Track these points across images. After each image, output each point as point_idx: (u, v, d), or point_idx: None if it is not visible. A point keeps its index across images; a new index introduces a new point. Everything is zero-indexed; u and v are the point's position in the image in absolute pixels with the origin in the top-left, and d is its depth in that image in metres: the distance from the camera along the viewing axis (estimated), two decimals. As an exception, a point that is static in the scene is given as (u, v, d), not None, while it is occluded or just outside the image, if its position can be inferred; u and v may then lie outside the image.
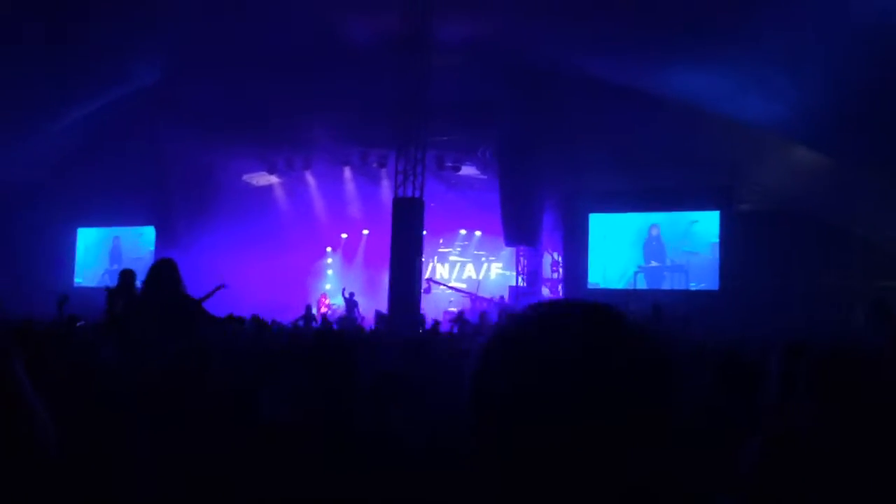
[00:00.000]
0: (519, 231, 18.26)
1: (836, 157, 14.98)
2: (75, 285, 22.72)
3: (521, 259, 19.89)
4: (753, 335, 9.78)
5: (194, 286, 8.12)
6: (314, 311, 18.91)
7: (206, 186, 21.36)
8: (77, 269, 24.15)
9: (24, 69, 15.66)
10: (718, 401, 3.11)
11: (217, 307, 10.65)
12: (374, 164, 20.33)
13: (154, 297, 5.48)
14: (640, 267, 19.14)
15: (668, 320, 12.69)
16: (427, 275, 19.42)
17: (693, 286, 18.39)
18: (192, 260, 18.50)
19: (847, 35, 11.00)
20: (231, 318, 7.19)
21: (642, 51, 14.38)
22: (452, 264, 22.64)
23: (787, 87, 13.01)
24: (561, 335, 0.76)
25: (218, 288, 8.21)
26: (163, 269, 5.58)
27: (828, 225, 16.39)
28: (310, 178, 21.68)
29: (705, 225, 18.52)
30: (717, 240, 18.22)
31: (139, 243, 23.41)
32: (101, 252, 24.30)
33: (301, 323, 15.35)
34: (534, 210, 18.49)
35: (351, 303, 17.92)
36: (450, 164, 19.59)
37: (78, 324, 7.28)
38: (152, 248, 22.15)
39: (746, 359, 3.23)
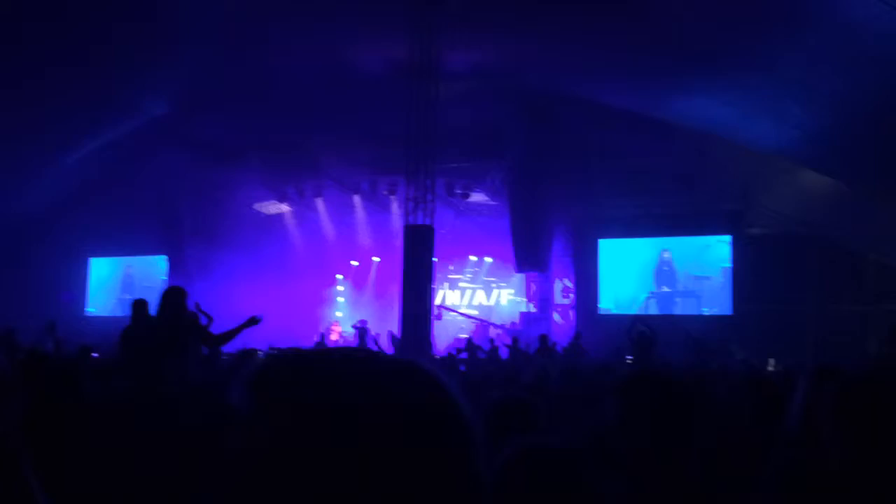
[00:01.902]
0: (529, 257, 18.25)
1: (848, 182, 14.96)
2: (87, 314, 22.78)
3: (532, 285, 19.85)
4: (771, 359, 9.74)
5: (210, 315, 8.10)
6: (325, 339, 18.88)
7: (217, 215, 21.46)
8: (90, 298, 24.23)
9: (37, 103, 15.85)
10: (739, 428, 3.08)
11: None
12: (384, 192, 20.40)
13: (163, 326, 5.57)
14: (651, 293, 19.08)
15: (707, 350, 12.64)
16: (438, 301, 19.37)
17: (706, 311, 18.30)
18: (204, 288, 18.54)
19: (857, 61, 11.04)
20: (245, 352, 7.14)
21: (653, 77, 14.45)
22: (463, 291, 22.59)
23: (797, 112, 13.03)
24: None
25: (251, 321, 7.64)
26: (170, 298, 5.66)
27: (840, 249, 16.33)
28: (320, 206, 21.76)
29: (717, 249, 18.47)
30: (729, 264, 18.15)
31: (151, 273, 23.48)
32: (113, 281, 24.38)
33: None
34: (544, 236, 18.50)
35: (363, 331, 17.88)
36: (459, 191, 19.62)
37: (92, 354, 7.28)
38: (164, 277, 22.22)
39: (769, 384, 3.19)
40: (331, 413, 0.66)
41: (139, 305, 7.06)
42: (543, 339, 13.89)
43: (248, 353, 6.88)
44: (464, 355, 14.26)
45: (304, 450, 0.65)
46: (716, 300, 18.34)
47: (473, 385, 6.45)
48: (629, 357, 12.31)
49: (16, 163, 17.85)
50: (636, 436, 1.99)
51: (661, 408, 2.02)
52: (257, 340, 11.30)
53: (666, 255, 19.06)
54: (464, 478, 0.69)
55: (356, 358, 0.73)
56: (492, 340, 15.32)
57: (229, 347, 11.24)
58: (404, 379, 0.71)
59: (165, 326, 5.56)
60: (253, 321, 7.52)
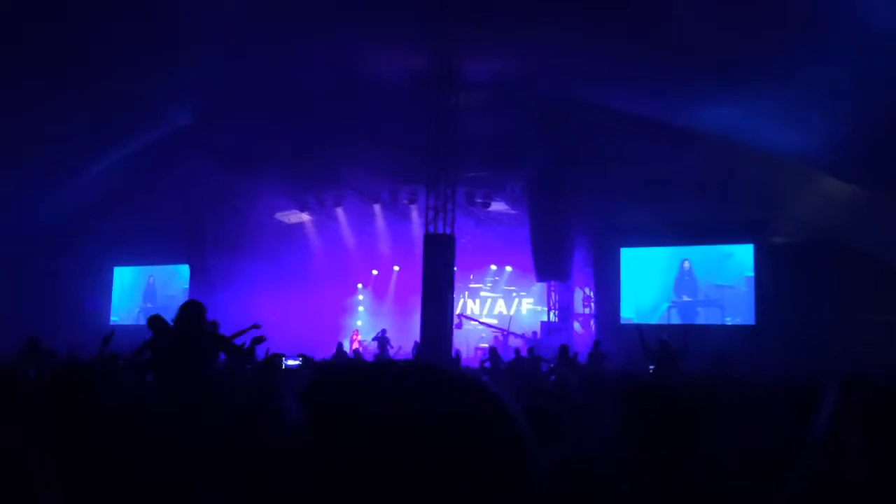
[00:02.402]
0: (550, 266, 18.20)
1: (871, 189, 14.80)
2: (112, 323, 23.03)
3: (553, 294, 19.80)
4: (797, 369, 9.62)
5: (228, 323, 8.22)
6: (346, 347, 18.94)
7: (239, 224, 21.63)
8: (113, 307, 24.49)
9: (62, 114, 16.07)
10: (761, 438, 3.06)
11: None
12: (405, 201, 20.47)
13: (180, 340, 5.65)
14: (672, 302, 18.96)
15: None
16: (458, 310, 19.38)
17: (729, 321, 18.16)
18: (226, 297, 18.70)
19: (879, 68, 10.95)
20: (272, 357, 7.22)
21: (674, 85, 14.42)
22: (483, 300, 22.59)
23: (819, 119, 12.94)
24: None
25: (252, 327, 8.19)
26: (188, 312, 5.72)
27: (864, 257, 16.15)
28: (341, 216, 21.87)
29: (739, 258, 18.33)
30: (752, 273, 18.01)
31: (174, 281, 23.72)
32: (136, 290, 24.63)
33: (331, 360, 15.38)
34: (564, 245, 18.44)
35: (383, 340, 17.93)
36: (479, 200, 19.65)
37: (119, 362, 7.38)
38: (186, 286, 22.43)
39: (798, 395, 3.17)
40: (391, 426, 0.68)
41: (155, 321, 7.11)
42: (564, 349, 13.85)
43: (273, 360, 6.97)
44: (487, 364, 14.27)
45: (365, 461, 0.67)
46: (738, 310, 18.19)
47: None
48: (652, 367, 12.23)
49: (41, 174, 18.11)
50: (637, 446, 2.01)
51: (660, 419, 2.04)
52: (281, 349, 11.37)
53: (687, 264, 18.94)
54: (519, 489, 0.71)
55: (415, 371, 0.75)
56: (517, 351, 15.29)
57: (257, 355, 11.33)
58: (464, 393, 0.73)
59: (183, 339, 5.63)
60: (254, 327, 7.88)
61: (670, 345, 12.23)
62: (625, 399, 2.06)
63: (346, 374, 0.75)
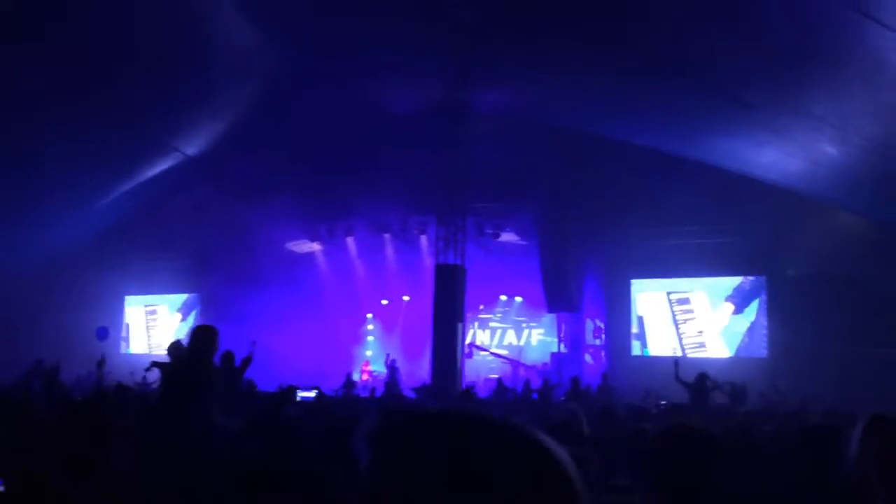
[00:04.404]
0: (560, 297, 18.15)
1: (882, 223, 14.78)
2: (122, 354, 23.02)
3: (563, 325, 19.72)
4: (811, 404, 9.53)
5: (239, 352, 8.23)
6: (356, 377, 18.87)
7: (249, 254, 21.72)
8: (124, 338, 24.53)
9: (73, 144, 16.21)
10: (787, 476, 3.02)
11: (260, 374, 10.73)
12: (415, 231, 20.54)
13: (190, 367, 5.60)
14: (682, 334, 18.87)
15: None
16: (468, 340, 19.31)
17: (739, 353, 18.04)
18: (236, 327, 18.65)
19: (891, 102, 10.97)
20: (285, 391, 7.20)
21: (685, 118, 14.48)
22: (493, 330, 22.51)
23: (831, 153, 12.95)
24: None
25: (252, 346, 8.35)
26: (199, 338, 5.67)
27: (876, 291, 16.01)
28: (351, 245, 21.94)
29: (751, 290, 18.27)
30: (764, 306, 17.92)
31: (184, 311, 23.79)
32: (146, 321, 24.68)
33: (342, 391, 15.33)
34: (575, 276, 18.42)
35: (393, 369, 17.88)
36: (489, 231, 19.67)
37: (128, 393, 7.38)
38: (197, 316, 22.49)
39: (815, 432, 3.13)
40: (456, 471, 0.72)
41: (174, 348, 7.14)
42: (576, 381, 13.76)
43: (287, 393, 6.95)
44: (509, 396, 14.21)
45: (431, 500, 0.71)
46: (750, 342, 18.07)
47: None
48: (663, 402, 12.12)
49: (54, 203, 18.25)
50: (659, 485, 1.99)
51: (692, 463, 2.02)
52: (291, 379, 11.33)
53: (698, 295, 18.87)
54: None
55: (471, 418, 0.79)
56: (527, 382, 15.20)
57: (266, 385, 11.33)
58: (519, 443, 0.77)
59: (193, 366, 5.58)
60: (253, 345, 7.97)
61: (707, 379, 12.14)
62: (649, 438, 2.04)
63: (414, 422, 0.78)
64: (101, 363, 7.38)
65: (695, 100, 13.38)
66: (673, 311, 19.04)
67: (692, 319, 18.84)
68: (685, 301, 18.95)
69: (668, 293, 19.15)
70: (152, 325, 24.44)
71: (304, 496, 2.61)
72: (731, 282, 18.53)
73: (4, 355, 16.26)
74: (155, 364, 7.15)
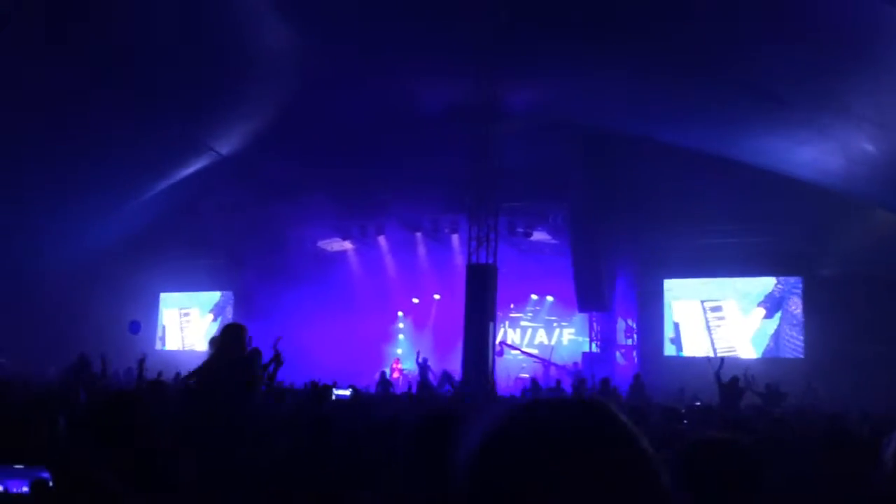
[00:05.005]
0: (591, 296, 18.04)
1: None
2: (157, 350, 23.37)
3: (594, 325, 19.61)
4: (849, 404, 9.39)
5: (269, 350, 8.30)
6: (387, 376, 18.96)
7: (282, 252, 21.94)
8: (159, 333, 24.89)
9: (110, 145, 16.49)
10: (821, 484, 2.99)
11: (292, 372, 10.83)
12: (446, 230, 20.57)
13: (219, 363, 5.68)
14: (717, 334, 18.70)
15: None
16: (499, 339, 19.28)
17: (776, 354, 17.81)
18: (269, 324, 18.84)
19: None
20: (319, 388, 7.26)
21: (721, 116, 14.30)
22: (524, 329, 22.46)
23: (870, 150, 12.72)
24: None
25: (277, 340, 8.28)
26: (228, 335, 5.76)
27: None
28: (383, 244, 22.04)
29: (787, 290, 18.03)
30: (800, 305, 17.69)
31: (216, 312, 24.09)
32: (180, 317, 25.03)
33: (379, 389, 15.43)
34: (606, 275, 18.29)
35: (424, 367, 17.92)
36: (521, 230, 19.62)
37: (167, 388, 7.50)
38: (231, 312, 22.75)
39: (853, 434, 3.10)
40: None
41: (213, 341, 7.23)
42: (605, 382, 13.67)
43: (322, 391, 7.01)
44: (528, 395, 14.16)
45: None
46: (779, 344, 17.86)
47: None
48: (698, 402, 12.01)
49: (90, 202, 18.58)
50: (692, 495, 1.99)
51: (725, 475, 2.02)
52: (322, 376, 11.45)
53: (729, 303, 18.74)
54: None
55: (581, 407, 0.86)
56: (558, 382, 15.15)
57: (298, 381, 11.40)
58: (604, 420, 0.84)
59: (223, 361, 5.66)
60: (278, 340, 7.98)
61: (739, 381, 12.03)
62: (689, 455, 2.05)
63: (532, 419, 0.85)
64: (142, 361, 7.49)
65: (731, 97, 13.22)
66: (707, 319, 18.89)
67: (723, 326, 18.70)
68: (718, 308, 18.79)
69: (703, 301, 19.01)
70: (185, 325, 24.76)
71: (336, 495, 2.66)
72: (762, 286, 18.31)
73: (45, 351, 16.64)
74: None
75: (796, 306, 17.94)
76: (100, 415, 3.35)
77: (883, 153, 12.71)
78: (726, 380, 11.91)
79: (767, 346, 18.10)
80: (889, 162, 12.83)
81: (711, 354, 17.75)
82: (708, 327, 18.89)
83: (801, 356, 17.41)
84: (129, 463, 2.60)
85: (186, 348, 23.30)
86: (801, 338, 17.68)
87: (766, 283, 18.33)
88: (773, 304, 18.22)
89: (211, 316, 24.09)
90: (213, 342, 7.27)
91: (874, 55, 10.65)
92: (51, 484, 2.26)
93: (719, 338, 18.69)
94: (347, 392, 10.67)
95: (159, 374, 11.52)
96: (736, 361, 16.77)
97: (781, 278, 18.20)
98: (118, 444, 2.94)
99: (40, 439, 2.91)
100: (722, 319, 18.74)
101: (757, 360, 17.47)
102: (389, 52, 14.66)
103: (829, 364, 15.78)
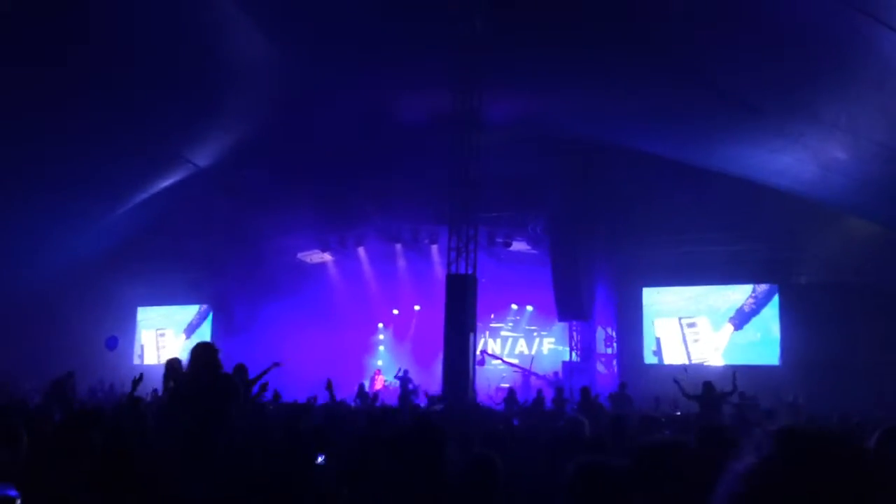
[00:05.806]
0: (571, 306, 18.09)
1: (894, 228, 14.68)
2: (134, 365, 23.13)
3: (574, 334, 19.66)
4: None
5: (251, 363, 8.26)
6: (367, 387, 18.86)
7: (261, 264, 21.82)
8: (136, 348, 24.61)
9: (87, 156, 16.30)
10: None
11: (273, 384, 10.73)
12: (426, 241, 20.56)
13: (192, 383, 5.54)
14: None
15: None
16: (480, 348, 19.26)
17: (752, 362, 17.94)
18: (248, 337, 18.76)
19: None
20: (303, 404, 7.21)
21: (697, 126, 14.44)
22: (504, 339, 22.48)
23: (844, 159, 12.89)
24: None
25: (273, 366, 8.41)
26: (199, 355, 5.60)
27: (890, 298, 15.90)
28: (362, 255, 21.99)
29: (763, 298, 18.20)
30: (777, 313, 17.85)
31: (196, 321, 23.87)
32: (157, 342, 24.72)
33: (355, 402, 15.33)
34: (586, 284, 18.34)
35: (405, 380, 17.86)
36: (500, 240, 19.64)
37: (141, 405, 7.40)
38: (209, 325, 22.56)
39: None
40: None
41: (170, 364, 7.16)
42: (585, 391, 13.67)
43: (306, 406, 6.96)
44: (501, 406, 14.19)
45: None
46: (762, 350, 17.98)
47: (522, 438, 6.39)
48: (678, 412, 12.06)
49: (66, 215, 18.36)
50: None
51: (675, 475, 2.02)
52: (303, 388, 11.39)
53: (702, 320, 19.01)
54: None
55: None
56: (539, 391, 15.14)
57: (289, 397, 11.30)
58: None
59: (193, 385, 5.51)
60: (274, 366, 7.99)
61: (714, 387, 12.08)
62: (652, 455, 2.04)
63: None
64: (136, 381, 7.29)
65: (706, 107, 13.35)
66: (683, 334, 19.16)
67: (700, 340, 19.05)
68: (693, 325, 19.13)
69: (680, 318, 19.38)
70: (162, 345, 24.47)
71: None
72: (731, 301, 18.52)
73: (18, 367, 16.39)
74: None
75: (772, 315, 18.12)
76: (63, 432, 3.31)
77: (856, 161, 12.88)
78: (697, 391, 12.01)
79: (739, 355, 18.30)
80: (863, 170, 13.02)
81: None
82: (685, 341, 19.13)
83: (778, 363, 17.54)
84: (96, 478, 2.57)
85: (163, 363, 23.01)
86: (778, 345, 17.83)
87: (737, 299, 18.59)
88: (741, 318, 18.54)
89: (184, 336, 23.80)
90: (171, 364, 7.18)
91: (845, 64, 10.80)
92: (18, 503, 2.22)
93: (694, 351, 18.98)
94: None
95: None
96: (708, 369, 16.96)
97: (756, 288, 18.38)
98: (82, 460, 2.90)
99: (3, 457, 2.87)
100: (697, 334, 19.02)
101: (728, 366, 17.59)
102: (368, 63, 14.65)
103: (805, 371, 15.93)
